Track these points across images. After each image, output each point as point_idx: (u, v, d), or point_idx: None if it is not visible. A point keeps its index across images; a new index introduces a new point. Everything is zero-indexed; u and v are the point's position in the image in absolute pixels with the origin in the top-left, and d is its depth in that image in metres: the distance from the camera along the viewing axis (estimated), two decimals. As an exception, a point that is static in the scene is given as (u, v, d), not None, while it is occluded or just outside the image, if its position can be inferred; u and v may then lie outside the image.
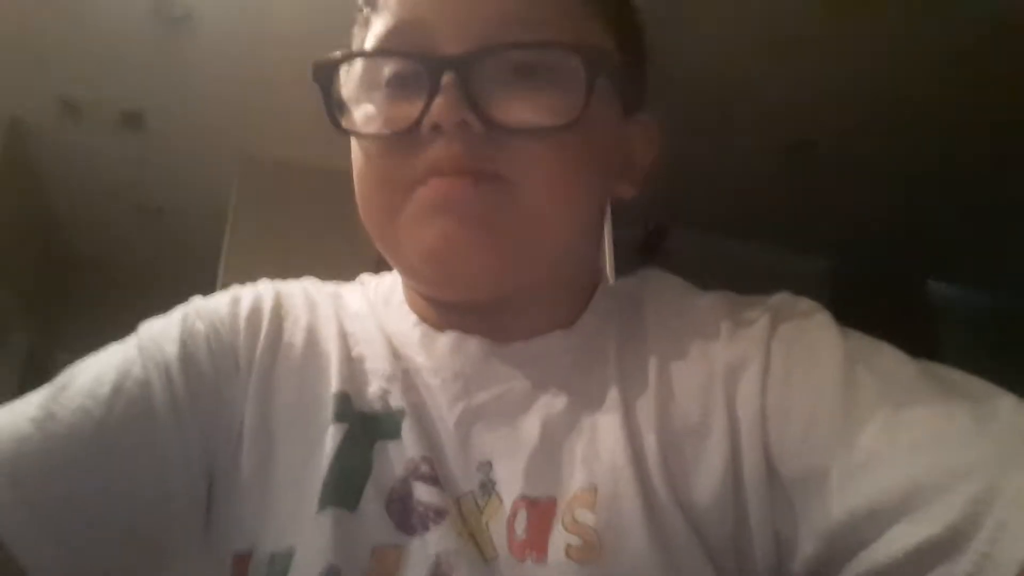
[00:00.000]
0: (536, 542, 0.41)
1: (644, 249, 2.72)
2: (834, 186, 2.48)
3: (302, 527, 0.42)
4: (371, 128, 0.46)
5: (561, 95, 0.43)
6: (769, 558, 0.40)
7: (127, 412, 0.43)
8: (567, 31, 0.45)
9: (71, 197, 2.96)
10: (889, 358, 0.41)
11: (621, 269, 1.47)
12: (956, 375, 0.40)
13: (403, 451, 0.44)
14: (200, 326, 0.48)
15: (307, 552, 0.41)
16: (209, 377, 0.46)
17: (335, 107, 0.47)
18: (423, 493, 0.42)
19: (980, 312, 2.83)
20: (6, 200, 2.59)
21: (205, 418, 0.45)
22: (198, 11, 2.04)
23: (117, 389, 0.44)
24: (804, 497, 0.39)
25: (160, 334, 0.47)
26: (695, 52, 1.98)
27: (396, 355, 0.49)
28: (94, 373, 0.45)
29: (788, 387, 0.41)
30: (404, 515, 0.42)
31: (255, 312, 0.50)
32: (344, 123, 0.47)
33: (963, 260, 2.70)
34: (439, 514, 0.42)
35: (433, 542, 0.41)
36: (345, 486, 0.43)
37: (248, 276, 0.55)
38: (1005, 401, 0.37)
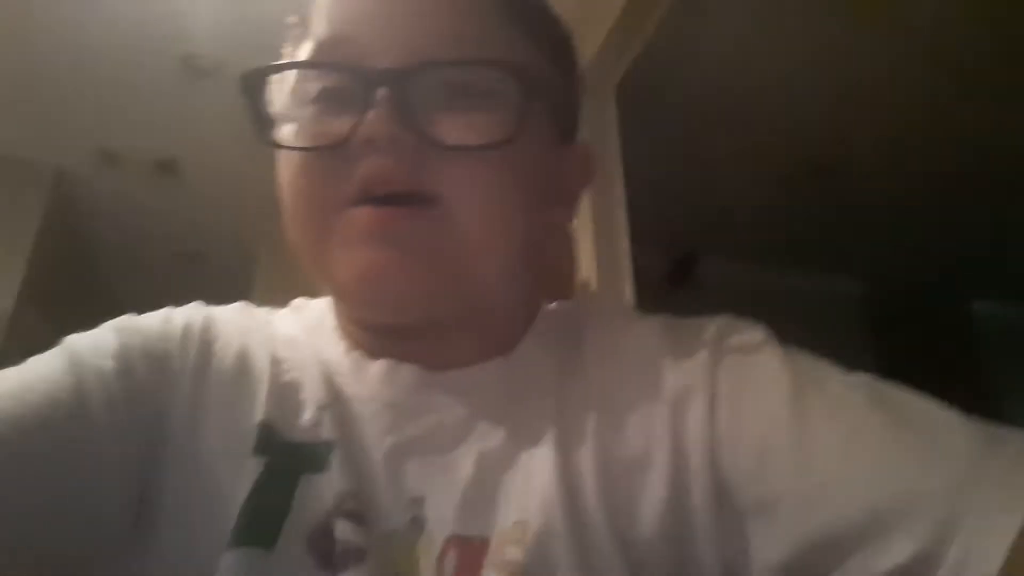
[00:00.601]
0: None
1: (672, 278, 2.69)
2: (866, 206, 2.44)
3: (216, 568, 0.39)
4: (300, 143, 0.44)
5: (495, 115, 0.42)
6: None
7: (60, 419, 0.40)
8: (501, 51, 0.44)
9: (111, 243, 3.06)
10: (837, 382, 0.40)
11: (649, 299, 1.45)
12: (905, 396, 0.39)
13: (330, 485, 0.42)
14: (136, 340, 0.46)
15: None
16: (147, 388, 0.44)
17: (264, 121, 0.45)
18: (345, 531, 0.40)
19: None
20: (52, 247, 2.68)
21: (142, 430, 0.43)
22: (225, 66, 2.14)
23: (48, 397, 0.41)
24: (758, 526, 0.38)
25: (93, 346, 0.45)
26: (720, 72, 1.98)
27: (329, 383, 0.47)
28: (19, 380, 0.42)
29: (737, 415, 0.40)
30: (326, 554, 0.40)
31: (187, 332, 0.48)
32: (272, 137, 0.45)
33: (1008, 277, 2.62)
34: (360, 553, 0.40)
35: None
36: (261, 524, 0.40)
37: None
38: (956, 422, 0.36)
